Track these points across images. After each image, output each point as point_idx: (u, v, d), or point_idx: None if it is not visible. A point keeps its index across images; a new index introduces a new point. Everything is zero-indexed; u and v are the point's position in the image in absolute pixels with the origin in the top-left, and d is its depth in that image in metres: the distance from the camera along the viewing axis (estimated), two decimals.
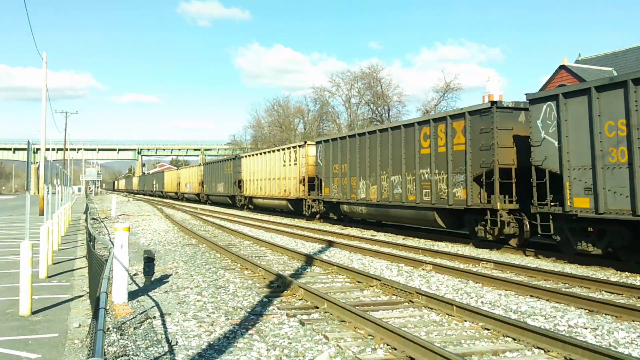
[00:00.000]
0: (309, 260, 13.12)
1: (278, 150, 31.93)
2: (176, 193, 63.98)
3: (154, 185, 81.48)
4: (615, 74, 29.71)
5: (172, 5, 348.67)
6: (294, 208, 29.24)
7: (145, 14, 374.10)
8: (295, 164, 28.63)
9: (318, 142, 26.19)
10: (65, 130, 68.42)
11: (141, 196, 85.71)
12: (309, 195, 27.15)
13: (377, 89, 56.31)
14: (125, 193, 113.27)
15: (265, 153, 34.28)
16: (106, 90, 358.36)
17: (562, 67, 32.22)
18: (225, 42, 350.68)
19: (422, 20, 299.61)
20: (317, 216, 26.58)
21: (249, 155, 38.00)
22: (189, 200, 57.99)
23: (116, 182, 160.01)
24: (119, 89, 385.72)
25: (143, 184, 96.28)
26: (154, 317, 7.87)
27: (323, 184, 24.88)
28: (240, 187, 38.87)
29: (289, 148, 30.02)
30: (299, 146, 28.60)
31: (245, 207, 38.35)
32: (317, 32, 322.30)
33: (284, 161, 30.24)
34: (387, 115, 55.43)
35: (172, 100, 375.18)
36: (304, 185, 27.54)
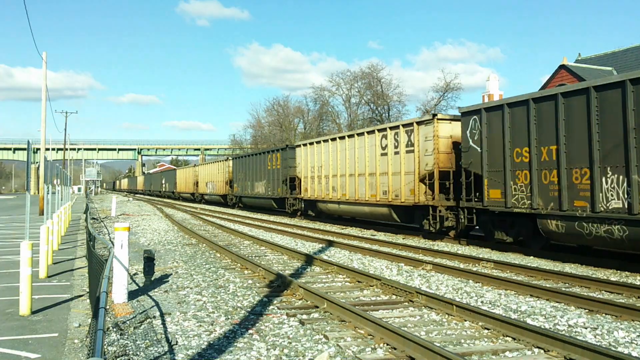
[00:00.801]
0: (309, 259, 13.12)
1: (371, 132, 21.38)
2: (193, 194, 53.93)
3: (163, 185, 72.88)
4: (615, 73, 29.73)
5: (171, 5, 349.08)
6: (402, 219, 19.95)
7: (145, 14, 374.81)
8: (409, 151, 18.71)
9: (467, 113, 15.95)
10: (65, 130, 68.84)
11: (141, 196, 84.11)
12: (437, 199, 17.32)
13: (377, 89, 56.42)
14: (126, 193, 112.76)
15: (343, 138, 23.63)
16: (106, 90, 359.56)
17: (562, 66, 32.27)
18: (225, 42, 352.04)
19: (422, 20, 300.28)
20: (452, 234, 17.38)
21: (310, 144, 27.22)
22: (210, 202, 48.30)
23: (117, 182, 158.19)
24: (119, 89, 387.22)
25: (149, 184, 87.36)
26: (154, 317, 7.87)
27: (485, 182, 15.17)
28: (293, 187, 29.36)
29: (394, 128, 19.84)
30: (418, 123, 18.40)
31: (299, 214, 28.90)
32: (317, 32, 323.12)
33: (383, 147, 20.27)
34: (387, 115, 55.54)
35: (172, 100, 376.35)
36: (427, 184, 17.73)
